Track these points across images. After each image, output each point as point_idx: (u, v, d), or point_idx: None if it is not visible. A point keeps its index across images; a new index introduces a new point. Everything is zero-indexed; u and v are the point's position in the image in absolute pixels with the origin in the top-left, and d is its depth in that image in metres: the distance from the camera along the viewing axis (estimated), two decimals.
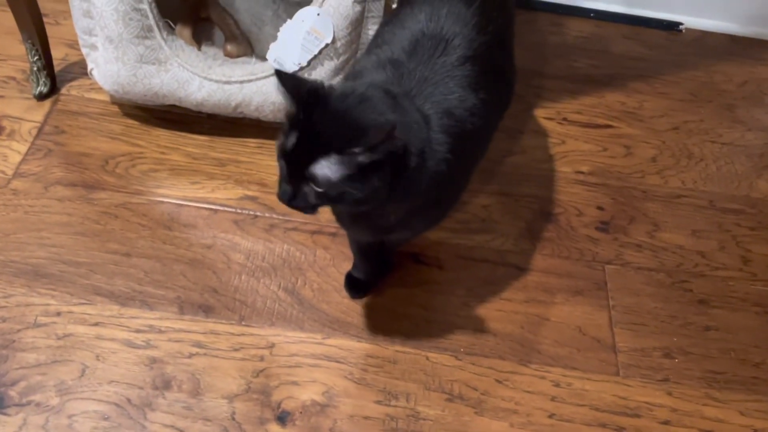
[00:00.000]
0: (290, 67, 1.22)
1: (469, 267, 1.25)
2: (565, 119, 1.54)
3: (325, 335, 1.12)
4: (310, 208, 0.85)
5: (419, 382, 1.09)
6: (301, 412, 1.03)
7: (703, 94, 1.65)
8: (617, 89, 1.63)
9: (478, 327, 1.17)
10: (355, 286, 1.17)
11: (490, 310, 1.19)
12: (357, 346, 1.12)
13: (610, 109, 1.58)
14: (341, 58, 1.24)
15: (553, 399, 1.10)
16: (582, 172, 1.44)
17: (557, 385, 1.12)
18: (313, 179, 0.80)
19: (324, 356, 1.10)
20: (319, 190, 0.81)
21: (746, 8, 1.78)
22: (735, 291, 1.28)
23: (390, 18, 1.10)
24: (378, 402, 1.06)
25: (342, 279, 1.19)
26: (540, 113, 1.54)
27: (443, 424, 1.05)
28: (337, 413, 1.04)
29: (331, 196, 0.82)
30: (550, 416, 1.08)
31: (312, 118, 0.80)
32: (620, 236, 1.34)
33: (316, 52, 1.21)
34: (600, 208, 1.38)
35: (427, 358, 1.12)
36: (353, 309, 1.16)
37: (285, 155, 0.82)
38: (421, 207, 0.94)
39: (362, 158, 0.78)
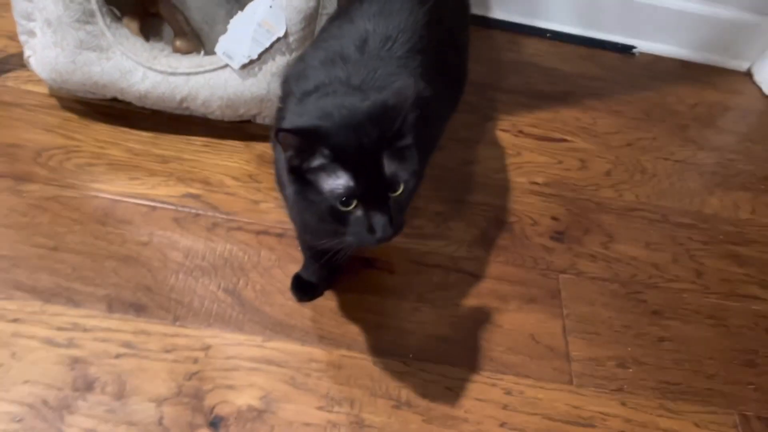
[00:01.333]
0: (240, 60, 1.18)
1: (421, 272, 1.20)
2: (520, 132, 1.53)
3: (266, 338, 1.05)
4: (403, 220, 0.82)
5: (365, 388, 1.03)
6: (236, 418, 0.96)
7: (655, 113, 1.67)
8: (572, 106, 1.64)
9: (428, 332, 1.12)
10: (302, 288, 1.11)
11: (441, 316, 1.15)
12: (300, 350, 1.05)
13: (565, 124, 1.58)
14: (294, 54, 1.20)
15: (504, 407, 1.05)
16: (537, 183, 1.42)
17: (509, 393, 1.07)
18: (394, 179, 0.78)
19: (264, 359, 1.03)
20: (402, 187, 0.79)
21: (697, 35, 1.82)
22: (688, 303, 1.27)
23: (337, 13, 1.08)
24: (320, 408, 0.99)
25: (288, 281, 1.13)
26: (496, 125, 1.53)
27: None
28: (275, 419, 0.97)
29: (412, 181, 0.80)
30: (502, 425, 1.03)
31: (333, 150, 0.77)
32: (574, 246, 1.32)
33: (267, 45, 1.17)
34: (554, 218, 1.36)
35: (374, 364, 1.06)
36: (298, 312, 1.10)
37: (351, 192, 0.77)
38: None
39: (404, 130, 0.79)
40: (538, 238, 1.31)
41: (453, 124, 1.49)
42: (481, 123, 1.52)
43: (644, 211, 1.42)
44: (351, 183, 0.77)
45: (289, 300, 1.11)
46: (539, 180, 1.43)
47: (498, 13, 1.80)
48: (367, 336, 1.09)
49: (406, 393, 1.04)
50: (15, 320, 0.99)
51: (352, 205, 0.78)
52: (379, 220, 0.78)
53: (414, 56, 0.96)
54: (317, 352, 1.05)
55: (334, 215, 0.79)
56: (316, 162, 0.78)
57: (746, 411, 1.12)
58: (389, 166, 0.78)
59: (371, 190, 0.78)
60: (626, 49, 1.84)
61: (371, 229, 0.79)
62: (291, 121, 0.85)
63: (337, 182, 0.77)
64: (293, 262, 1.15)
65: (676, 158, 1.56)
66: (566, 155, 1.50)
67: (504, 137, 1.51)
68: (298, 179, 0.79)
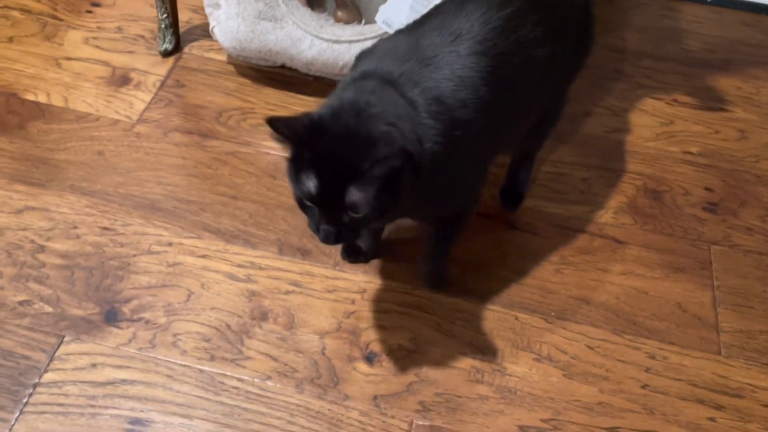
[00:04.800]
0: (398, 27, 1.25)
1: (564, 236, 1.23)
2: (675, 100, 1.49)
3: (415, 287, 1.14)
4: (356, 236, 0.86)
5: (507, 340, 1.08)
6: (388, 355, 1.05)
7: None
8: (733, 74, 1.56)
9: (571, 294, 1.15)
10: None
11: (584, 279, 1.17)
12: (446, 300, 1.12)
13: (724, 93, 1.51)
14: None
15: (647, 370, 1.06)
16: (691, 153, 1.38)
17: (652, 357, 1.08)
18: (353, 208, 0.81)
19: (413, 305, 1.11)
20: (360, 215, 0.82)
21: None
22: None
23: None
24: (464, 354, 1.06)
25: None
26: (648, 93, 1.50)
27: (530, 382, 1.04)
28: (423, 359, 1.05)
29: (373, 215, 0.82)
30: (643, 387, 1.04)
31: (320, 152, 0.80)
32: (729, 218, 1.27)
33: (423, 12, 1.23)
34: (708, 189, 1.32)
35: (516, 318, 1.11)
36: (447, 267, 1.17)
37: (312, 198, 0.82)
38: (431, 188, 0.92)
39: (381, 170, 0.79)
40: (690, 208, 1.29)
41: (600, 92, 1.48)
42: (632, 90, 1.50)
43: None
44: (313, 192, 0.81)
45: None
46: (693, 150, 1.39)
47: None
48: (510, 292, 1.14)
49: (547, 348, 1.08)
50: (203, 256, 1.15)
51: (311, 208, 0.84)
52: (325, 228, 0.83)
53: (469, 54, 0.92)
54: (462, 303, 1.12)
55: (299, 200, 0.85)
56: (302, 156, 0.82)
57: None
58: (353, 194, 0.80)
59: (329, 203, 0.81)
60: None
61: (318, 229, 0.84)
62: (323, 105, 0.87)
63: (306, 183, 0.81)
64: None
65: None
66: (724, 125, 1.44)
67: (657, 106, 1.47)
68: (293, 155, 0.84)
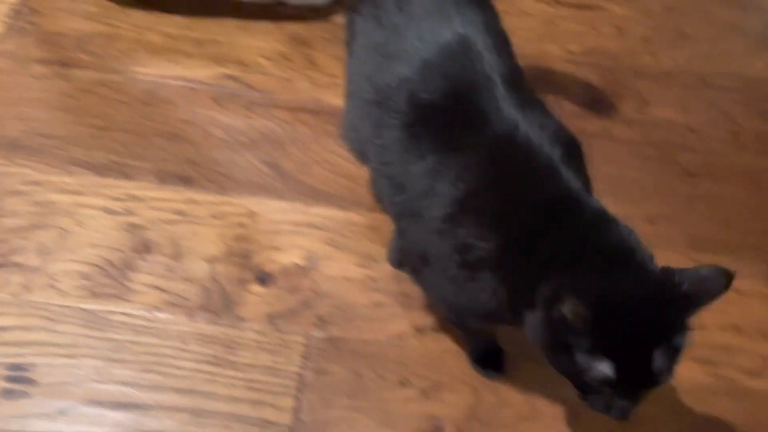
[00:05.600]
0: None
1: None
2: (556, 1, 1.49)
3: (307, 205, 1.12)
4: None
5: None
6: (282, 274, 1.04)
7: None
8: None
9: None
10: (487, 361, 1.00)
11: None
12: (339, 215, 1.11)
13: None
14: None
15: None
16: (572, 52, 1.40)
17: None
18: (660, 377, 0.70)
19: (305, 224, 1.10)
20: (666, 378, 0.71)
21: None
22: (725, 164, 1.26)
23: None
24: (359, 265, 1.06)
25: (325, 154, 1.17)
26: None
27: None
28: (318, 275, 1.05)
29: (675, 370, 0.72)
30: None
31: (615, 331, 0.68)
32: (609, 112, 1.31)
33: None
34: (589, 85, 1.35)
35: None
36: (336, 181, 1.15)
37: (611, 383, 0.70)
38: None
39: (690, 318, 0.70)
40: (571, 106, 1.31)
41: None
42: None
43: (683, 76, 1.39)
44: (611, 374, 0.69)
45: (325, 170, 1.16)
46: (574, 49, 1.41)
47: None
48: None
49: None
50: (76, 192, 1.08)
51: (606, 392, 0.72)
52: (623, 406, 0.72)
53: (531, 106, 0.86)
54: (355, 217, 1.11)
55: (579, 383, 0.73)
56: (577, 340, 0.69)
57: None
58: (659, 363, 0.69)
59: (630, 382, 0.71)
60: None
61: (609, 408, 0.73)
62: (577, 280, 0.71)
63: (596, 367, 0.69)
64: (329, 136, 1.19)
65: (719, 21, 1.50)
66: (603, 23, 1.47)
67: (537, 7, 1.47)
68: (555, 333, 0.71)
